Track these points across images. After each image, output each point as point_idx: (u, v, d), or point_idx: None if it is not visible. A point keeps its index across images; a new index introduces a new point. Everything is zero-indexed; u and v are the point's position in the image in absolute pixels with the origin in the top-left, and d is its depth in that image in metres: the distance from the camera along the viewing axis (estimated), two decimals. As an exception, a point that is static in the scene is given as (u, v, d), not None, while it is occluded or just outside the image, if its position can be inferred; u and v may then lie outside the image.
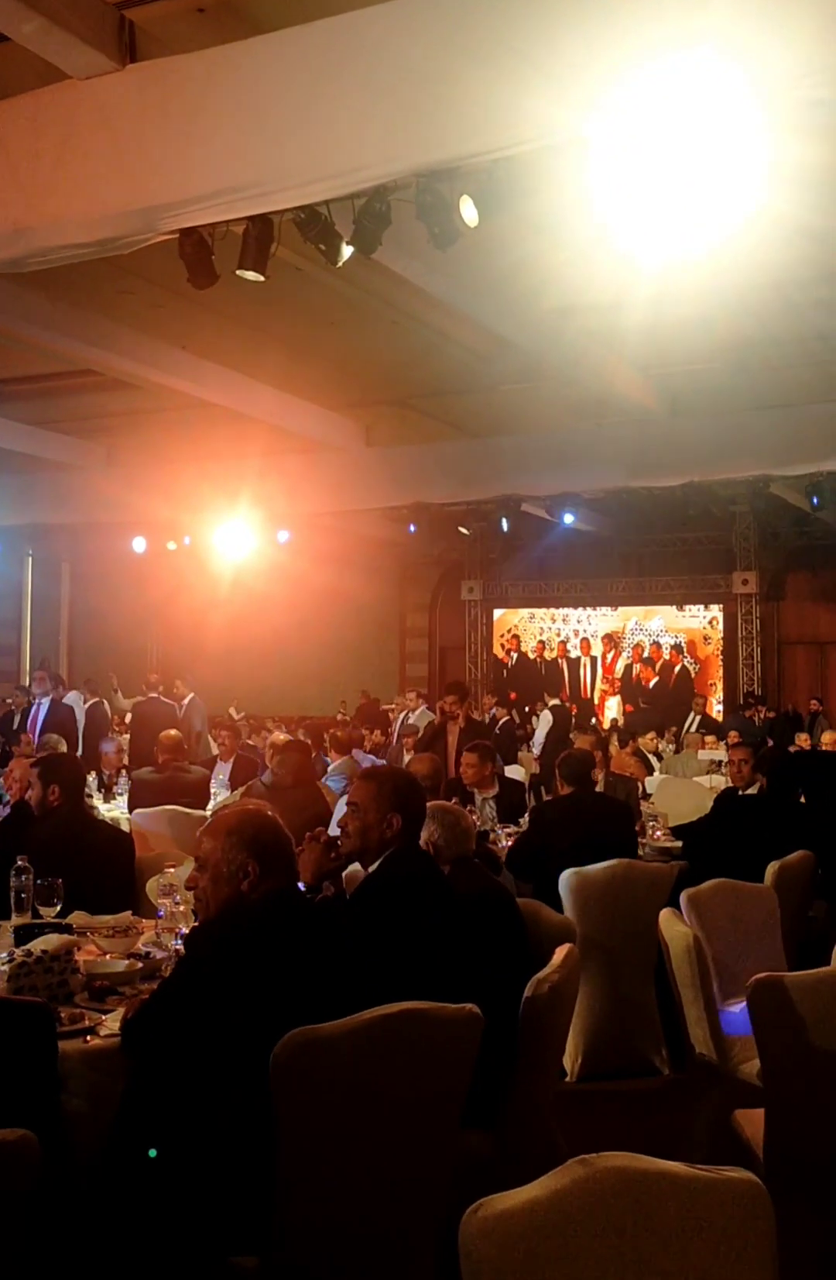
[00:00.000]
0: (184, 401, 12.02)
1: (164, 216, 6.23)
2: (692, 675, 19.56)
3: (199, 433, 13.46)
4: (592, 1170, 1.89)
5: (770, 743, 12.26)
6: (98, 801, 8.91)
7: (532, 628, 21.25)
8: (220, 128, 5.95)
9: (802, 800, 6.66)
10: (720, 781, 9.90)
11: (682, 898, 4.55)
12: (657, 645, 19.76)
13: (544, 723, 15.87)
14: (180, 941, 3.64)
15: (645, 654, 19.84)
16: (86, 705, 14.09)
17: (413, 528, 15.24)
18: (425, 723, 13.09)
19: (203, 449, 13.93)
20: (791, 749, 11.92)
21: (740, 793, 6.45)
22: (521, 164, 5.64)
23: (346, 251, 6.23)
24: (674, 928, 4.22)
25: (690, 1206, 1.91)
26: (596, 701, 20.17)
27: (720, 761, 11.81)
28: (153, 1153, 2.55)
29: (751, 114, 5.13)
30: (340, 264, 6.34)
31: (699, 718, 16.20)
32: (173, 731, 8.90)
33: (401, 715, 14.19)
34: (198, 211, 6.15)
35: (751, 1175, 1.97)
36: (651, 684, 18.74)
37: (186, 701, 14.57)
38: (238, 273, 6.30)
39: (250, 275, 6.33)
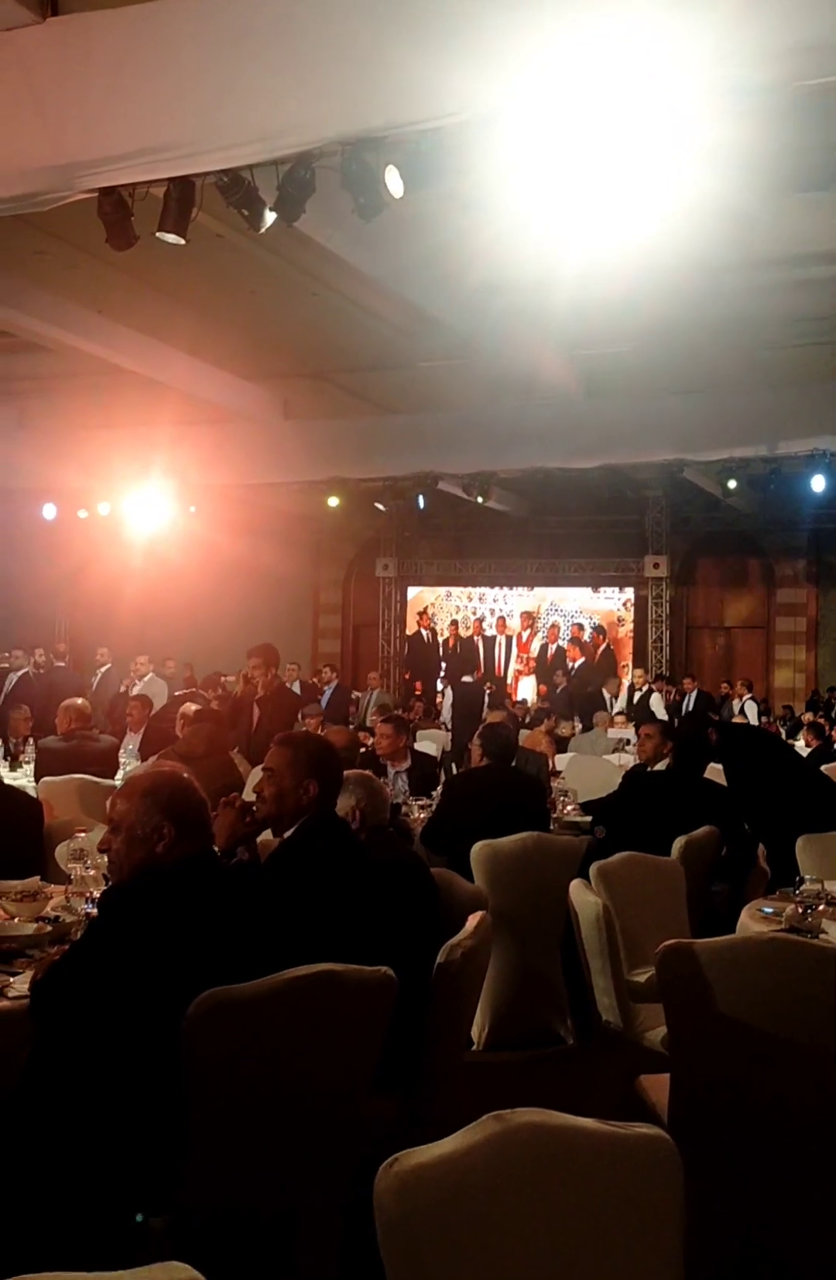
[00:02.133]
0: (97, 366, 11.82)
1: (83, 174, 6.11)
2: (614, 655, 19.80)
3: (112, 399, 13.26)
4: (507, 1125, 1.91)
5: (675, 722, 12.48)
6: (3, 769, 8.75)
7: (449, 606, 21.33)
8: (143, 86, 5.85)
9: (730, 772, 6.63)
10: (627, 759, 10.05)
11: (592, 870, 4.61)
12: (580, 626, 19.93)
13: (447, 699, 16.01)
14: (91, 905, 3.60)
15: (562, 635, 19.99)
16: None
17: (334, 502, 15.18)
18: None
19: (115, 416, 13.72)
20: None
21: (648, 769, 6.55)
22: (448, 137, 5.64)
23: (269, 218, 6.16)
24: (584, 897, 4.28)
25: (601, 1161, 1.94)
26: (510, 681, 20.31)
27: (627, 740, 12.00)
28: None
29: (676, 94, 5.19)
30: (262, 231, 6.28)
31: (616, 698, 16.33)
32: (77, 699, 8.76)
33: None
34: (118, 171, 6.04)
35: (660, 1131, 2.01)
36: (577, 663, 18.88)
37: (102, 672, 14.41)
38: (157, 235, 6.20)
39: (170, 238, 6.23)
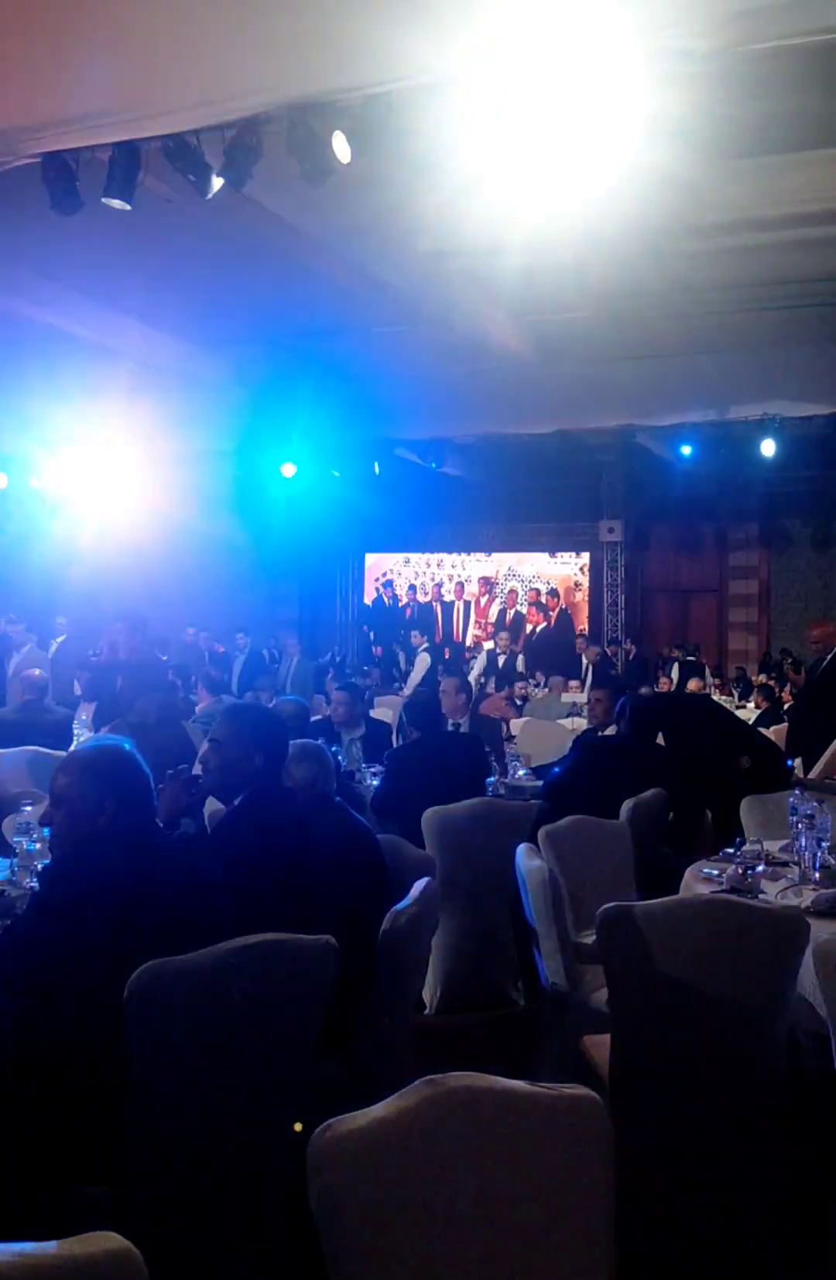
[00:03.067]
0: (45, 333, 11.68)
1: (26, 139, 6.04)
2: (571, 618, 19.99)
3: (62, 365, 13.10)
4: (439, 1089, 1.95)
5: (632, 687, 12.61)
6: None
7: (407, 571, 21.35)
8: (86, 49, 5.76)
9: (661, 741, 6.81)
10: (581, 723, 10.14)
11: (540, 834, 4.67)
12: (535, 590, 20.08)
13: (421, 665, 15.98)
14: (35, 878, 3.60)
15: (520, 600, 20.14)
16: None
17: (293, 471, 15.09)
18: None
19: (66, 383, 13.56)
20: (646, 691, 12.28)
21: (599, 733, 6.62)
22: (396, 102, 5.62)
23: (216, 183, 6.12)
24: (530, 862, 4.34)
25: (532, 1121, 1.99)
26: (468, 646, 20.37)
27: (581, 704, 12.10)
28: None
29: (620, 61, 5.19)
30: (210, 196, 6.24)
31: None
32: (34, 670, 8.72)
33: None
34: (61, 136, 5.98)
35: (590, 1091, 2.06)
36: (539, 628, 19.03)
37: (58, 642, 14.30)
38: (103, 201, 6.15)
39: (116, 204, 6.18)
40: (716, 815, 6.07)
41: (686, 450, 13.16)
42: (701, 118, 6.33)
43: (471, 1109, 1.94)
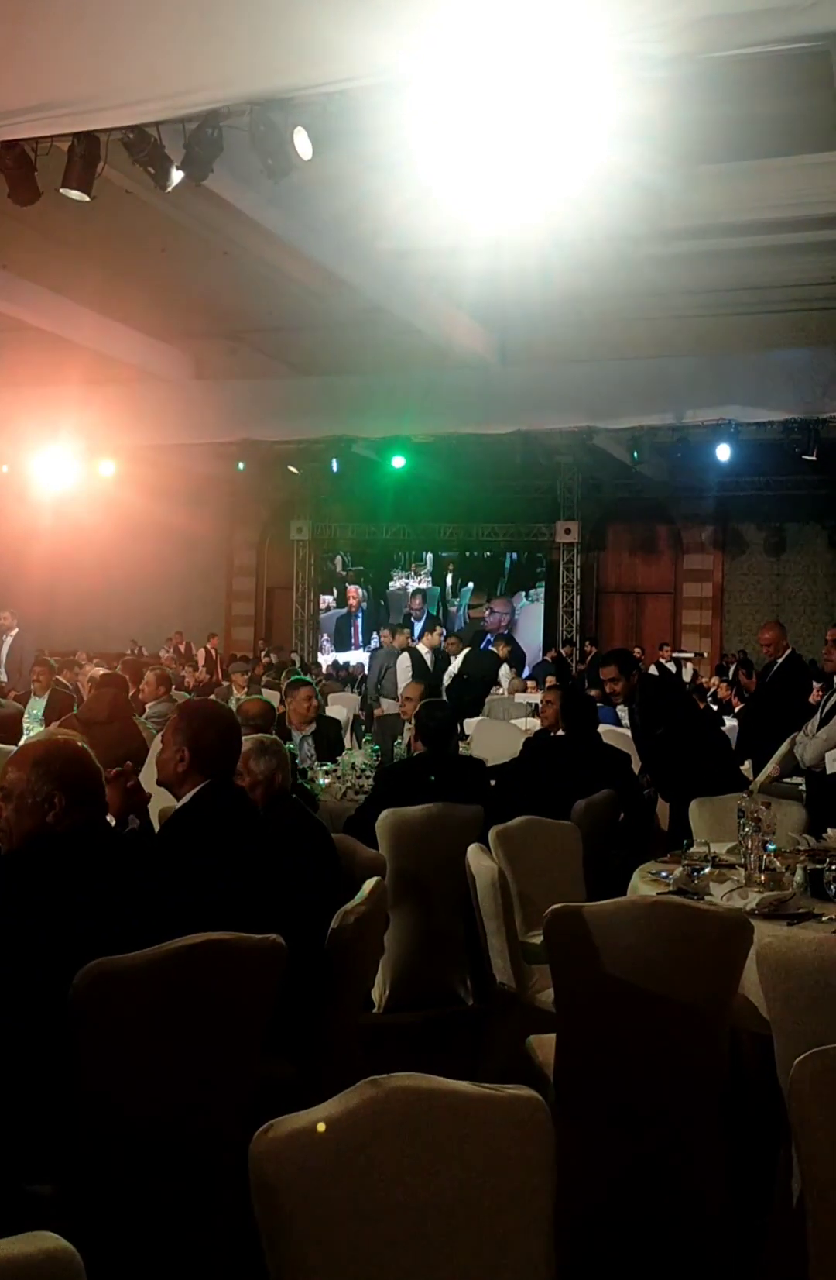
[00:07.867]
0: (1, 323, 11.59)
1: (-16, 126, 5.98)
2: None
3: (15, 356, 12.99)
4: (382, 1090, 1.95)
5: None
6: None
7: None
8: (46, 39, 5.73)
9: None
10: (535, 724, 10.18)
11: (491, 834, 4.69)
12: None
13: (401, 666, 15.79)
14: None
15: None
16: None
17: (241, 466, 15.06)
18: None
19: (19, 374, 13.45)
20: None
21: (551, 734, 6.64)
22: (358, 100, 5.63)
23: (176, 176, 6.11)
24: (480, 862, 4.36)
25: (474, 1121, 2.00)
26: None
27: (535, 705, 12.13)
28: None
29: (584, 65, 5.22)
30: (170, 189, 6.22)
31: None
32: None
33: None
34: (19, 125, 5.93)
35: (532, 1092, 2.07)
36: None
37: (10, 637, 14.08)
38: (61, 191, 6.11)
39: (74, 194, 6.15)
40: (674, 811, 6.10)
41: (641, 452, 13.22)
42: (666, 123, 6.40)
43: (414, 1109, 1.95)
